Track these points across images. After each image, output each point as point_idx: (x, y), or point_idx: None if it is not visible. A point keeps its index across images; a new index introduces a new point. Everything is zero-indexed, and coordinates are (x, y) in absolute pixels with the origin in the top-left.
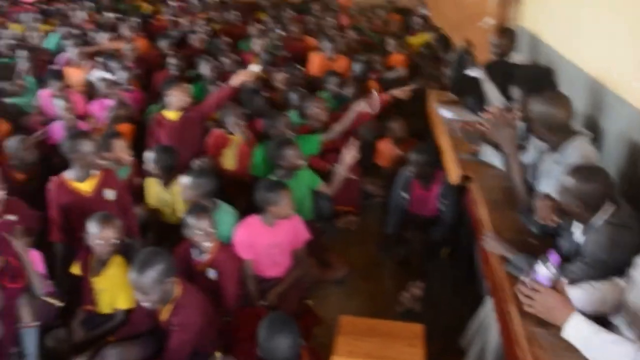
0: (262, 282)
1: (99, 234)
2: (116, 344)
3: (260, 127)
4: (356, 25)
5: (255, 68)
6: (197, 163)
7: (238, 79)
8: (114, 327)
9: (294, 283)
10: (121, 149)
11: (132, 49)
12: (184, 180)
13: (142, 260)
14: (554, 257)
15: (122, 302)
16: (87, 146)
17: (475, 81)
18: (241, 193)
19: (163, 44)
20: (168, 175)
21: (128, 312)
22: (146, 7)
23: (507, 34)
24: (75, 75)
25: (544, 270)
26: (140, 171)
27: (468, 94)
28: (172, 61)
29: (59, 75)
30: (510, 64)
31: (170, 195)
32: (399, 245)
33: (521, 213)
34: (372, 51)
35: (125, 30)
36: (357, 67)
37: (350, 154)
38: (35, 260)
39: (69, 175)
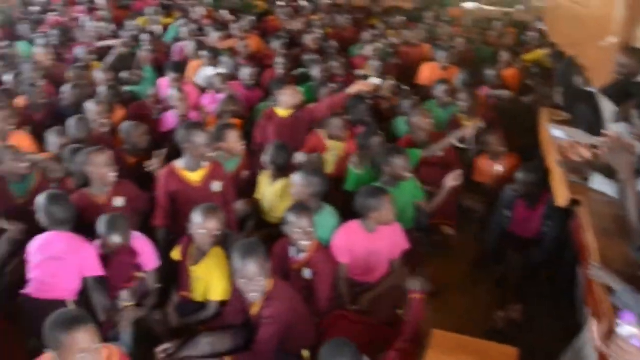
0: (355, 286)
1: (202, 224)
2: (209, 334)
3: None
4: (468, 36)
5: (375, 81)
6: (303, 158)
7: (356, 88)
8: (207, 317)
9: (387, 290)
10: (234, 140)
11: (245, 46)
12: (298, 177)
13: (246, 248)
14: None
15: (215, 294)
16: (200, 137)
17: (588, 96)
18: (333, 199)
19: (275, 43)
20: (278, 172)
21: (221, 305)
22: (262, 6)
23: (635, 54)
24: (191, 68)
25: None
26: (249, 164)
27: (580, 110)
28: (279, 60)
29: (177, 67)
30: (635, 85)
31: (274, 191)
32: (497, 263)
33: (634, 247)
34: (482, 64)
35: (236, 29)
36: (465, 78)
37: (455, 178)
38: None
39: (180, 164)
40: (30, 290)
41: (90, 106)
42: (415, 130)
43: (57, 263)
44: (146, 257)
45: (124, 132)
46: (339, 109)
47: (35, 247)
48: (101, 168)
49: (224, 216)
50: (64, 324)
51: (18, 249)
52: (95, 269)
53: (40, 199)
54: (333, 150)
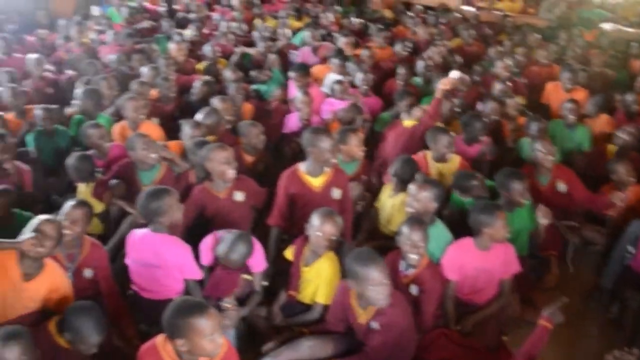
0: (461, 307)
1: (320, 227)
2: (311, 337)
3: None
4: (603, 58)
5: (454, 74)
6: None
7: (439, 89)
8: (311, 320)
9: (493, 314)
10: (355, 144)
11: (370, 55)
12: (416, 189)
13: (370, 255)
14: None
15: (323, 297)
16: (325, 143)
17: None
18: None
19: (399, 53)
20: (401, 185)
21: (326, 309)
22: (389, 15)
23: None
24: (319, 72)
25: None
26: (367, 170)
27: None
28: (401, 71)
29: (303, 70)
30: None
31: (393, 204)
32: (614, 301)
33: None
34: (617, 87)
35: (376, 36)
36: (597, 102)
37: (544, 215)
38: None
39: (303, 167)
40: (136, 289)
41: (216, 102)
42: (537, 160)
43: (157, 271)
44: (255, 260)
45: (242, 131)
46: (438, 116)
47: (135, 247)
48: (221, 165)
49: (342, 222)
50: (193, 311)
51: None
52: (195, 273)
53: (141, 194)
54: (436, 174)
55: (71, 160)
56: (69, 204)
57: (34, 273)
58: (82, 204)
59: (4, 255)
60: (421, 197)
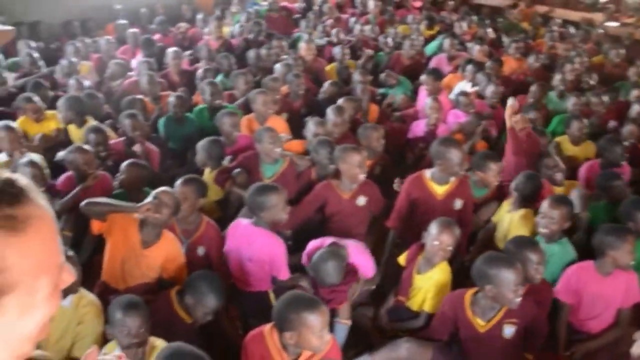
0: (572, 333)
1: (438, 236)
2: (411, 339)
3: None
4: None
5: (510, 102)
6: None
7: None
8: (416, 327)
9: (607, 345)
10: (494, 174)
11: (497, 66)
12: (550, 207)
13: (503, 258)
14: None
15: (431, 307)
16: (454, 155)
17: None
18: None
19: (533, 66)
20: (522, 201)
21: (431, 317)
22: (526, 27)
23: None
24: (450, 80)
25: None
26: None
27: None
28: (533, 88)
29: (437, 76)
30: None
31: (512, 219)
32: None
33: None
34: None
35: (510, 48)
36: None
37: None
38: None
39: (428, 173)
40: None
41: (342, 102)
42: None
43: (249, 263)
44: (364, 269)
45: (363, 134)
46: (518, 146)
47: (234, 236)
48: (354, 167)
49: (459, 234)
50: (306, 306)
51: None
52: (281, 273)
53: (252, 186)
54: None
55: (203, 143)
56: (179, 180)
57: (152, 241)
58: (193, 180)
59: (126, 221)
60: (554, 215)
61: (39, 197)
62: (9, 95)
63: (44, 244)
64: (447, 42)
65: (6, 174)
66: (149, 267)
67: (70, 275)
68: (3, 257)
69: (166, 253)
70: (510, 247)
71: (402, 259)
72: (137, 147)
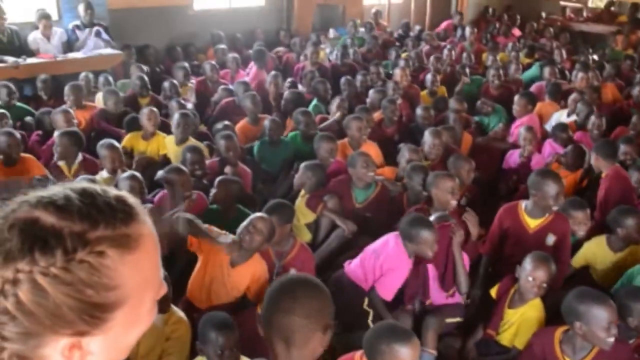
0: None
1: (532, 272)
2: None
3: None
4: None
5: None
6: None
7: None
8: None
9: None
10: (583, 220)
11: (597, 95)
12: None
13: (596, 294)
14: None
15: (522, 343)
16: (551, 188)
17: None
18: None
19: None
20: (623, 241)
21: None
22: (631, 54)
23: None
24: (546, 109)
25: None
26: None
27: None
28: (635, 119)
29: (529, 99)
30: None
31: (611, 258)
32: None
33: None
34: None
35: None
36: None
37: None
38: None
39: (524, 204)
40: None
41: (433, 131)
42: None
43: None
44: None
45: (453, 164)
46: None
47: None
48: (445, 194)
49: (555, 271)
50: (399, 338)
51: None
52: (385, 293)
53: (408, 216)
54: None
55: (308, 165)
56: (267, 206)
57: (240, 261)
58: (279, 206)
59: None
60: None
61: (146, 215)
62: (119, 114)
63: (151, 261)
64: (547, 70)
65: (115, 191)
66: (234, 287)
67: (164, 289)
68: (120, 274)
69: (252, 274)
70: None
71: (493, 292)
72: (227, 169)
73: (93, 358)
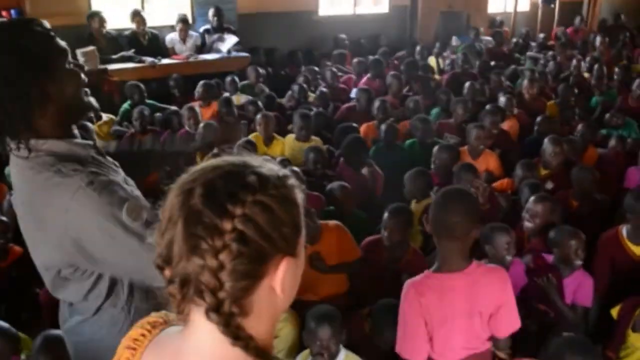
0: None
1: None
2: None
3: None
4: None
5: None
6: None
7: None
8: None
9: None
10: None
11: None
12: None
13: None
14: None
15: None
16: None
17: None
18: None
19: None
20: None
21: None
22: None
23: None
24: None
25: None
26: None
27: None
28: None
29: None
30: None
31: None
32: None
33: None
34: None
35: None
36: None
37: None
38: None
39: (624, 230)
40: None
41: (551, 141)
42: None
43: None
44: None
45: (576, 175)
46: None
47: None
48: (501, 250)
49: None
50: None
51: None
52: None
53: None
54: None
55: (410, 174)
56: (387, 210)
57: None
58: (400, 210)
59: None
60: None
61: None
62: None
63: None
64: None
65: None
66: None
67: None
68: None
69: (336, 241)
70: None
71: (614, 312)
72: (364, 170)
73: (285, 283)
